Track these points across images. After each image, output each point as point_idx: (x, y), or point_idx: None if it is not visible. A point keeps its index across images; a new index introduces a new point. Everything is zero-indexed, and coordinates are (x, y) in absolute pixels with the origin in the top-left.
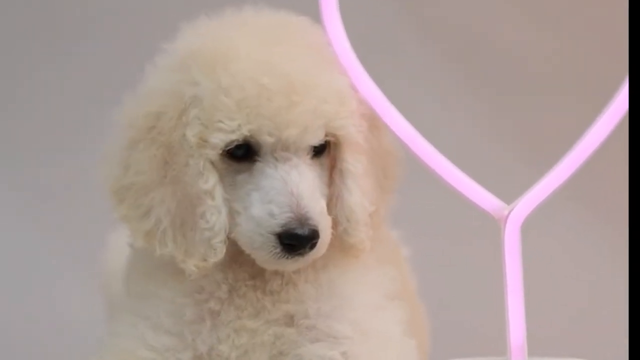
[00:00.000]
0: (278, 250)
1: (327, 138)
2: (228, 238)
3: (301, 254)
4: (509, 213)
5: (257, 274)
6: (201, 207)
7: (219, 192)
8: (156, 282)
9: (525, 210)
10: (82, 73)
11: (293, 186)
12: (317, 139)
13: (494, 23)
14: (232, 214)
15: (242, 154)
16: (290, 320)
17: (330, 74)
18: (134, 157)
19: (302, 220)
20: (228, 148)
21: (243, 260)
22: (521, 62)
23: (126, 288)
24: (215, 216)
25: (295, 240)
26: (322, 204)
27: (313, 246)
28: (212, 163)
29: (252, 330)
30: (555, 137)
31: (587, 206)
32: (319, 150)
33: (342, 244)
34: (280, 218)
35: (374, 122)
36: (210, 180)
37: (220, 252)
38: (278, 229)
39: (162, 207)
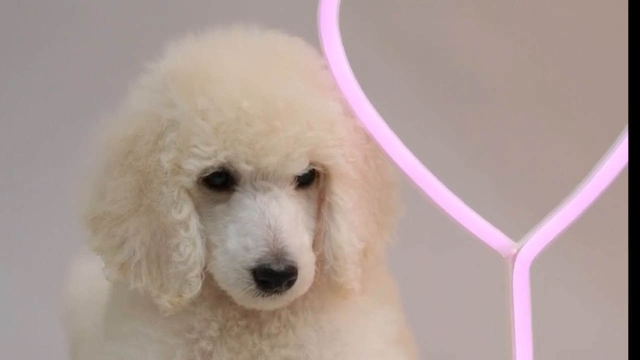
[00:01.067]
0: (253, 287)
1: (315, 168)
2: (207, 273)
3: (278, 292)
4: (518, 252)
5: (250, 313)
6: (175, 238)
7: (194, 223)
8: (143, 321)
9: (535, 249)
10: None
11: (271, 219)
12: (300, 169)
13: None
14: (209, 247)
15: (221, 182)
16: None
17: (319, 99)
18: (108, 184)
19: (279, 255)
20: (205, 176)
21: (232, 298)
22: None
23: (107, 327)
24: (189, 249)
25: (271, 277)
26: (305, 238)
27: (291, 284)
28: (188, 192)
29: None
30: (557, 168)
31: (591, 245)
32: (305, 181)
33: (329, 284)
34: (255, 253)
35: (371, 152)
36: (185, 210)
37: (195, 287)
38: (253, 265)
39: (136, 239)
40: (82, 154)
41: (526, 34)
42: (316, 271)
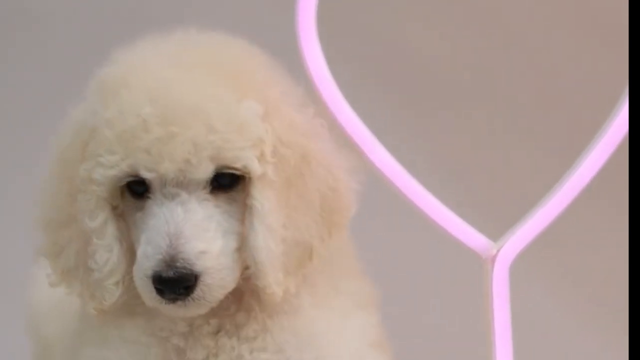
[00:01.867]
0: (154, 294)
1: (232, 171)
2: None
3: (180, 299)
4: (497, 252)
5: (219, 311)
6: (90, 246)
7: (110, 230)
8: (114, 324)
9: (515, 249)
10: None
11: (172, 225)
12: (205, 173)
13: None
14: (135, 254)
15: (142, 191)
16: None
17: (230, 102)
18: (49, 191)
19: (169, 262)
20: (120, 184)
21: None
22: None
23: (80, 334)
24: (105, 256)
25: (162, 284)
26: (216, 243)
27: (190, 290)
28: (105, 199)
29: None
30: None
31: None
32: (226, 184)
33: (255, 288)
34: (151, 260)
35: (313, 150)
36: (99, 218)
37: (113, 294)
38: (150, 272)
39: (71, 246)
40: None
41: (498, 34)
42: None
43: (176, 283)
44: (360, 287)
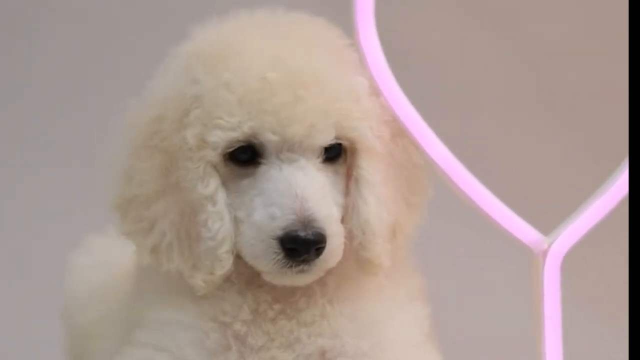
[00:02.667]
0: (280, 256)
1: (341, 142)
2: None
3: (306, 262)
4: (549, 247)
5: (283, 299)
6: (202, 214)
7: (221, 198)
8: (174, 307)
9: (567, 244)
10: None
11: (298, 188)
12: (326, 140)
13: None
14: (237, 223)
15: (247, 158)
16: (322, 356)
17: (344, 73)
18: (135, 166)
19: (306, 222)
20: (230, 150)
21: (262, 281)
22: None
23: (133, 317)
24: (217, 223)
25: (298, 244)
26: (333, 209)
27: (319, 252)
28: (213, 167)
29: None
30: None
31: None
32: (333, 155)
33: (358, 260)
34: (281, 220)
35: (398, 130)
36: (211, 185)
37: (227, 263)
38: (279, 232)
39: (165, 219)
40: (74, 154)
41: (519, 37)
42: (345, 244)
43: (312, 244)
44: (413, 280)
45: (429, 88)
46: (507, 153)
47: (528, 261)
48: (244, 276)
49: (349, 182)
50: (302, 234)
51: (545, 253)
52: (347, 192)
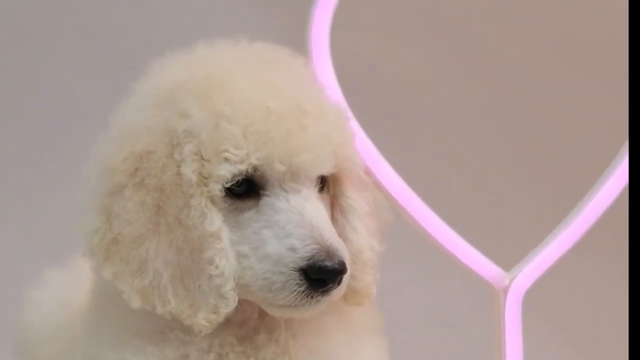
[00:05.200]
0: (303, 288)
1: (331, 170)
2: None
3: (327, 292)
4: (510, 283)
5: (246, 338)
6: (208, 251)
7: (225, 234)
8: (134, 351)
9: (528, 280)
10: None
11: (311, 218)
12: (328, 168)
13: None
14: (238, 258)
15: (243, 190)
16: None
17: (329, 100)
18: (119, 205)
19: (330, 251)
20: (230, 184)
21: (230, 320)
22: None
23: (87, 356)
24: (224, 260)
25: (324, 274)
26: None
27: (340, 282)
28: (213, 202)
29: None
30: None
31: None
32: (321, 184)
33: (346, 290)
34: (304, 251)
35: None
36: (216, 221)
37: (232, 300)
38: (303, 264)
39: (158, 259)
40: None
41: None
42: None
43: (337, 273)
44: (369, 314)
45: (388, 118)
46: (468, 187)
47: (489, 297)
48: None
49: (334, 211)
50: (329, 263)
51: (506, 289)
52: (333, 222)
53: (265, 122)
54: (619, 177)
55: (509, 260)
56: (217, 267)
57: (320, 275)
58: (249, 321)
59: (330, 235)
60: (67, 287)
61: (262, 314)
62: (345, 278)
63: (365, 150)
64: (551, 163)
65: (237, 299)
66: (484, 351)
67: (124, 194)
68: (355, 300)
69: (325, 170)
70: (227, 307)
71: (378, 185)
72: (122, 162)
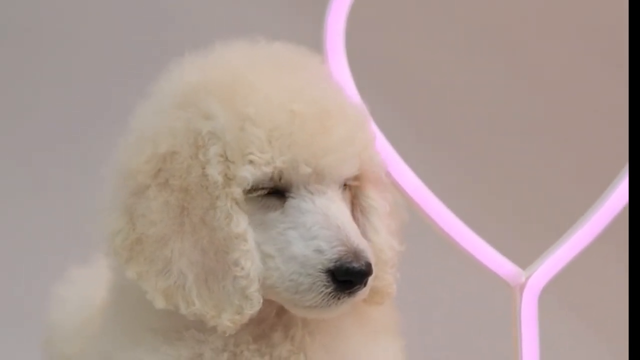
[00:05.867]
0: (330, 289)
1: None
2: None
3: (353, 293)
4: (526, 281)
5: (262, 336)
6: (234, 253)
7: (251, 235)
8: (148, 350)
9: (544, 278)
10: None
11: (337, 220)
12: (353, 169)
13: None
14: (263, 259)
15: (267, 192)
16: None
17: (351, 101)
18: (142, 206)
19: (357, 253)
20: (257, 185)
21: (246, 321)
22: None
23: (102, 354)
24: (249, 262)
25: (352, 275)
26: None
27: (366, 283)
28: (237, 204)
29: None
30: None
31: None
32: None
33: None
34: (331, 253)
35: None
36: (242, 223)
37: (257, 302)
38: (330, 265)
39: (182, 260)
40: (57, 185)
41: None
42: None
43: (364, 275)
44: (387, 313)
45: (405, 116)
46: (484, 186)
47: (506, 295)
48: None
49: (354, 211)
50: (356, 265)
51: (522, 287)
52: (354, 221)
53: (289, 125)
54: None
55: (526, 258)
56: (242, 268)
57: (348, 277)
58: (266, 319)
59: (356, 236)
60: (91, 286)
61: (280, 312)
62: (371, 279)
63: (382, 149)
64: (568, 161)
65: (261, 300)
66: (502, 348)
67: (148, 195)
68: (375, 300)
69: (349, 172)
70: (252, 308)
71: (395, 184)
72: (145, 163)
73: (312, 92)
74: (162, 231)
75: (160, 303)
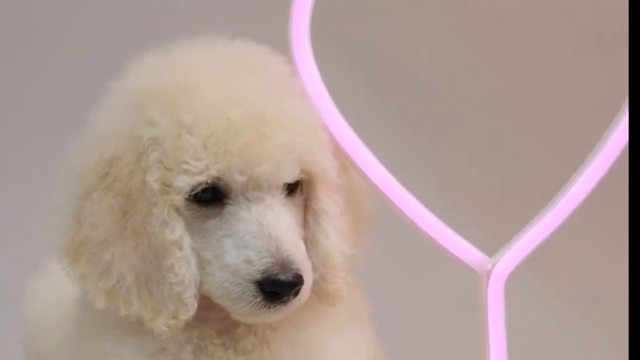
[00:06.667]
0: (259, 299)
1: (300, 176)
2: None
3: (284, 302)
4: (492, 267)
5: (225, 331)
6: (168, 259)
7: (186, 242)
8: (114, 341)
9: (510, 265)
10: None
11: (270, 228)
12: (291, 176)
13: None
14: (201, 264)
15: (210, 197)
16: None
17: (299, 106)
18: (87, 208)
19: (285, 264)
20: (194, 192)
21: (209, 316)
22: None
23: (74, 347)
24: (184, 268)
25: (278, 287)
26: (302, 246)
27: (297, 293)
28: (177, 210)
29: None
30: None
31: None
32: (291, 189)
33: (318, 291)
34: (259, 264)
35: (344, 160)
36: (177, 230)
37: (192, 307)
38: (258, 276)
39: (123, 263)
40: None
41: (501, 50)
42: None
43: (291, 286)
44: (358, 303)
45: (372, 101)
46: (451, 174)
47: (472, 282)
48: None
49: (306, 214)
50: (282, 277)
51: (489, 274)
52: (305, 224)
53: (224, 133)
54: (600, 163)
55: (492, 245)
56: (176, 275)
57: (275, 289)
58: (228, 317)
59: (288, 246)
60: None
61: None
62: (305, 289)
63: (347, 138)
64: (534, 147)
65: (196, 306)
66: (469, 336)
67: (93, 198)
68: (327, 301)
69: (288, 178)
70: (187, 313)
71: (361, 173)
72: (91, 164)
73: (252, 99)
74: (104, 234)
75: (100, 304)
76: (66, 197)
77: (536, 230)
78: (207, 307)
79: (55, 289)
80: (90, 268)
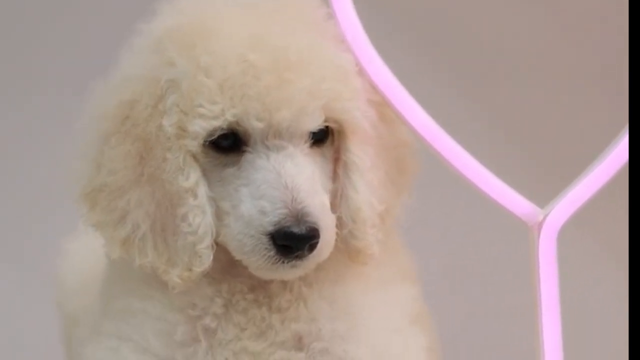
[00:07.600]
0: (272, 253)
1: (329, 124)
2: (216, 243)
3: (299, 257)
4: (544, 219)
5: (258, 286)
6: (182, 207)
7: (202, 190)
8: (141, 297)
9: (563, 216)
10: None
11: (287, 178)
12: (315, 124)
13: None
14: (219, 214)
15: (229, 144)
16: (299, 342)
17: (329, 50)
18: (106, 153)
19: (299, 216)
20: (211, 138)
21: (239, 271)
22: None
23: (102, 306)
24: (198, 218)
25: (291, 240)
26: (324, 198)
27: (312, 248)
28: (193, 156)
29: (255, 353)
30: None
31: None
32: (320, 138)
33: (347, 249)
34: (272, 215)
35: (384, 110)
36: (192, 177)
37: (206, 259)
38: (270, 228)
39: (139, 211)
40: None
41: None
42: (337, 235)
43: (305, 239)
44: (402, 259)
45: (419, 51)
46: (501, 126)
47: (523, 234)
48: (220, 265)
49: (337, 166)
50: (295, 230)
51: (540, 226)
52: (335, 177)
53: (242, 77)
54: None
55: (544, 197)
56: (190, 224)
57: (287, 242)
58: None
59: (305, 197)
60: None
61: None
62: (323, 244)
63: (387, 83)
64: (587, 99)
65: (211, 257)
66: (520, 289)
67: (111, 143)
68: (358, 260)
69: (311, 126)
70: (201, 265)
71: (406, 123)
72: (112, 109)
73: (274, 41)
74: (121, 181)
75: (115, 253)
76: (85, 142)
77: (589, 181)
78: (235, 261)
79: (88, 250)
80: (106, 216)
